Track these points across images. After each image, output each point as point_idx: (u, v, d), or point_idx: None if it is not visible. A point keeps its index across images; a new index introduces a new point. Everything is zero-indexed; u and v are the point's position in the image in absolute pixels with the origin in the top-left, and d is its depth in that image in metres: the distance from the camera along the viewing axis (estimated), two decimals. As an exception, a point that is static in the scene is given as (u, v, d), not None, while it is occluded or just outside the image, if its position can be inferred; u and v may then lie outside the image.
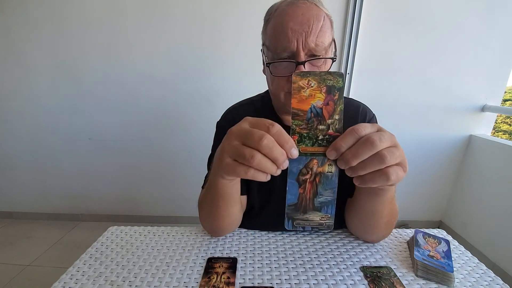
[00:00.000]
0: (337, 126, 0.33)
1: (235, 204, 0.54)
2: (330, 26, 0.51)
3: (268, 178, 0.34)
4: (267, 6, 0.55)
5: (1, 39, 1.60)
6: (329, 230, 0.36)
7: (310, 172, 0.33)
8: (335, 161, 0.33)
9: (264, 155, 0.32)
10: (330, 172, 0.33)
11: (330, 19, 0.51)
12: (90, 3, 1.51)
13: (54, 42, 1.59)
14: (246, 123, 0.35)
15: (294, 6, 0.49)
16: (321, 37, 0.48)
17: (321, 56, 0.49)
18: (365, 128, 0.33)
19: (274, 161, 0.32)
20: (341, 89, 0.33)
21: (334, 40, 0.53)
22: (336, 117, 0.33)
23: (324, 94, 0.33)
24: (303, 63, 0.48)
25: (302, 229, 0.35)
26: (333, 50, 0.53)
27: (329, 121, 0.33)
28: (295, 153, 0.32)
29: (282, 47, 0.49)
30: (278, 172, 0.33)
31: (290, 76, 0.49)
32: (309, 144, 0.33)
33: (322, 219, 0.34)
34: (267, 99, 0.65)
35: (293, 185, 0.33)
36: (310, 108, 0.33)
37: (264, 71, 0.59)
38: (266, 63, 0.53)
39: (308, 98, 0.33)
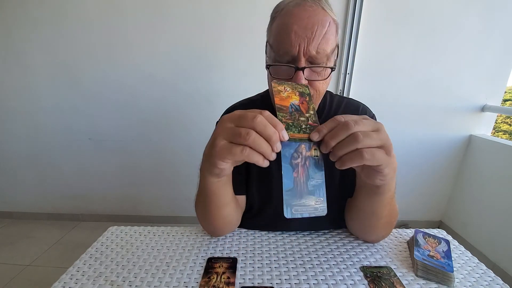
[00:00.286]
0: (313, 118, 0.39)
1: (227, 206, 0.53)
2: (335, 31, 0.50)
3: (266, 163, 0.35)
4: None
5: (1, 39, 1.60)
6: (323, 215, 0.36)
7: (300, 156, 0.36)
8: (319, 146, 0.37)
9: (258, 133, 0.33)
10: (316, 156, 0.37)
11: (336, 24, 0.50)
12: (90, 3, 1.51)
13: (54, 42, 1.59)
14: (237, 111, 0.37)
15: (300, 8, 0.48)
16: (324, 44, 0.47)
17: (321, 64, 0.49)
18: (345, 116, 0.36)
19: (268, 140, 0.33)
20: (309, 95, 0.42)
21: (338, 46, 0.52)
22: (311, 112, 0.40)
23: (298, 97, 0.41)
24: (302, 69, 0.47)
25: (300, 216, 0.36)
26: (335, 56, 0.53)
27: (307, 115, 0.39)
28: (285, 135, 0.35)
29: (284, 50, 0.48)
30: (273, 156, 0.34)
31: (290, 79, 0.49)
32: (295, 131, 0.37)
33: (317, 203, 0.37)
34: (266, 99, 0.65)
35: (287, 169, 0.36)
36: (290, 104, 0.40)
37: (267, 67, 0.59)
38: (266, 65, 0.53)
39: (287, 98, 0.41)
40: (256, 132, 0.33)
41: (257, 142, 0.33)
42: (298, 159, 0.36)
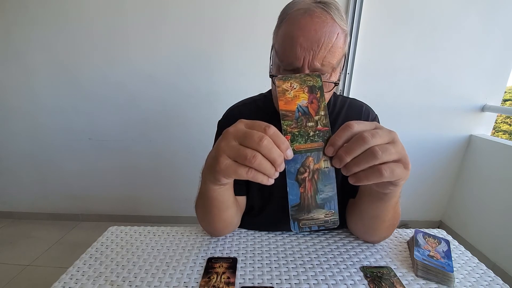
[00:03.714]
0: (324, 121, 0.35)
1: (228, 209, 0.53)
2: (343, 42, 0.48)
3: (272, 182, 0.34)
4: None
5: (1, 39, 1.60)
6: (335, 227, 0.35)
7: (308, 171, 0.34)
8: (330, 157, 0.34)
9: (264, 156, 0.32)
10: (326, 167, 0.34)
11: (345, 34, 0.49)
12: (90, 3, 1.51)
13: (54, 42, 1.59)
14: (241, 125, 0.35)
15: (308, 17, 0.46)
16: (329, 57, 0.47)
17: (326, 76, 0.49)
18: (359, 124, 0.34)
19: (272, 162, 0.32)
20: (321, 88, 0.36)
21: (345, 54, 0.51)
22: (322, 113, 0.35)
23: (307, 94, 0.35)
24: None
25: (308, 229, 0.35)
26: (342, 65, 0.52)
27: (316, 118, 0.35)
28: (290, 154, 0.33)
29: (288, 61, 0.48)
30: (276, 175, 0.33)
31: None
32: (302, 142, 0.34)
33: (327, 215, 0.35)
34: (269, 99, 0.65)
35: (293, 185, 0.34)
36: (297, 107, 0.35)
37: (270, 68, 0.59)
38: (270, 75, 0.53)
39: (294, 99, 0.35)
40: (262, 154, 0.32)
41: (262, 165, 0.32)
42: (305, 174, 0.34)
